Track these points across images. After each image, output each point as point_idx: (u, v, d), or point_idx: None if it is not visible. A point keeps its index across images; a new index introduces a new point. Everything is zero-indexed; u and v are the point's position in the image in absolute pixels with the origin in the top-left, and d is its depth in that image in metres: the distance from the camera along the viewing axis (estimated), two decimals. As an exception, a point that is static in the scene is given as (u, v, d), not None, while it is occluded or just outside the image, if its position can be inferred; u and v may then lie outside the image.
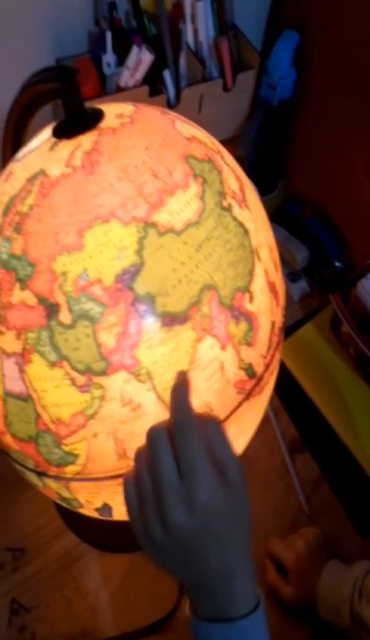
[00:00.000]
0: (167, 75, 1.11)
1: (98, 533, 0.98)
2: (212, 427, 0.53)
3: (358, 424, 1.09)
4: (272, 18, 1.25)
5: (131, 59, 1.05)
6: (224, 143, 0.63)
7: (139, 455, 0.53)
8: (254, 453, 1.09)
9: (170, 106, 1.14)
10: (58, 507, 1.01)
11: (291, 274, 1.31)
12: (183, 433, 0.50)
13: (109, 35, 1.04)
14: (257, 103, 1.25)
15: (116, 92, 1.09)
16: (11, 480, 1.00)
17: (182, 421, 0.51)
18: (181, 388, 0.52)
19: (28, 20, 1.02)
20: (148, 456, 0.52)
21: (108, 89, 1.10)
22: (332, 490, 1.07)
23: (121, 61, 1.08)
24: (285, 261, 0.80)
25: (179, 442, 0.50)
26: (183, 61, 1.12)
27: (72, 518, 0.99)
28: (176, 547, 0.51)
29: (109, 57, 1.08)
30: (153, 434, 0.52)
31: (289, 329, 1.22)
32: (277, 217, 1.33)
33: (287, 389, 1.14)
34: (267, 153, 1.33)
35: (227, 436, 0.53)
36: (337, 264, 1.29)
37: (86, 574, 0.96)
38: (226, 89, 1.19)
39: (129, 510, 0.53)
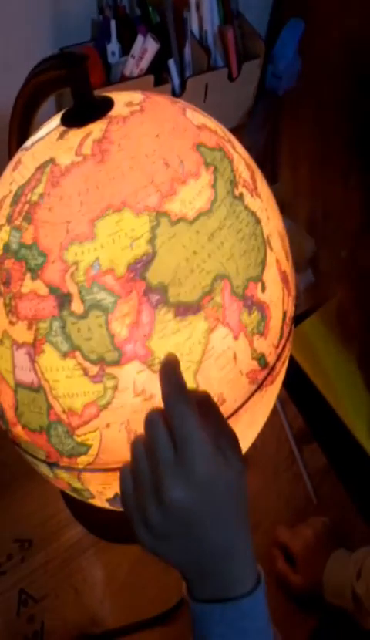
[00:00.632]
0: (172, 64, 1.10)
1: (106, 524, 0.98)
2: (204, 400, 0.52)
3: (365, 414, 1.09)
4: (277, 6, 1.24)
5: (136, 48, 1.05)
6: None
7: (136, 441, 0.51)
8: (262, 444, 1.08)
9: (175, 95, 1.14)
10: (66, 498, 1.00)
11: (297, 265, 1.31)
12: (176, 407, 0.49)
13: (113, 24, 1.04)
14: (263, 93, 1.24)
15: (121, 81, 1.08)
16: (18, 472, 1.00)
17: (174, 395, 0.49)
18: (170, 364, 0.50)
19: (31, 9, 1.01)
20: (144, 439, 0.51)
21: (113, 78, 1.09)
22: (340, 480, 1.07)
23: (125, 50, 1.07)
24: (291, 252, 0.80)
25: (172, 415, 0.49)
26: (187, 50, 1.12)
27: (79, 509, 0.99)
28: (173, 527, 0.49)
29: (113, 46, 1.07)
30: (148, 416, 0.50)
31: (295, 320, 1.21)
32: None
33: (294, 380, 1.13)
34: (271, 143, 1.32)
35: (219, 408, 0.53)
36: (342, 254, 1.28)
37: (94, 565, 0.96)
38: (231, 78, 1.18)
39: (124, 496, 0.52)
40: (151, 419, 0.50)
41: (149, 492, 0.49)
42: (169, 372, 0.50)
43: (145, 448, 0.50)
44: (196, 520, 0.49)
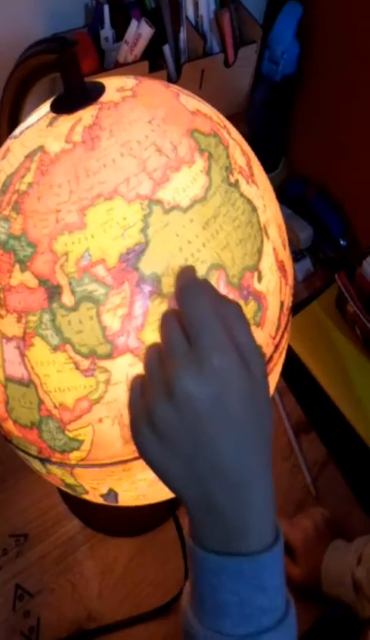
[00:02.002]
0: (167, 50, 1.08)
1: (102, 517, 0.97)
2: (231, 309, 0.46)
3: (364, 403, 1.08)
4: (274, -10, 1.22)
5: (130, 34, 1.03)
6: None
7: (149, 347, 0.47)
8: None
9: (171, 81, 1.12)
10: (62, 492, 1.00)
11: (295, 254, 1.30)
12: (189, 294, 0.44)
13: (106, 9, 1.02)
14: (260, 79, 1.22)
15: (115, 67, 1.06)
16: (13, 465, 0.99)
17: (188, 284, 0.45)
18: (188, 268, 0.47)
19: (23, -5, 0.99)
20: (158, 342, 0.46)
21: (106, 64, 1.08)
22: (339, 470, 1.06)
23: (119, 36, 1.05)
24: (289, 240, 0.78)
25: (184, 305, 0.44)
26: (183, 35, 1.10)
27: (75, 503, 0.98)
28: (180, 426, 0.43)
29: (107, 32, 1.05)
30: (162, 315, 0.46)
31: (293, 309, 1.20)
32: (280, 195, 1.31)
33: (292, 370, 1.13)
34: (269, 130, 1.30)
35: (247, 321, 0.47)
36: (341, 242, 1.27)
37: (91, 559, 0.96)
38: (227, 64, 1.16)
39: (131, 403, 0.46)
40: (164, 318, 0.46)
41: (157, 387, 0.44)
42: (186, 270, 0.46)
43: (157, 348, 0.46)
44: (208, 422, 0.43)
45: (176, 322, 0.45)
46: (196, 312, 0.44)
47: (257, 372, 0.45)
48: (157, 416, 0.43)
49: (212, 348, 0.43)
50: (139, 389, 0.46)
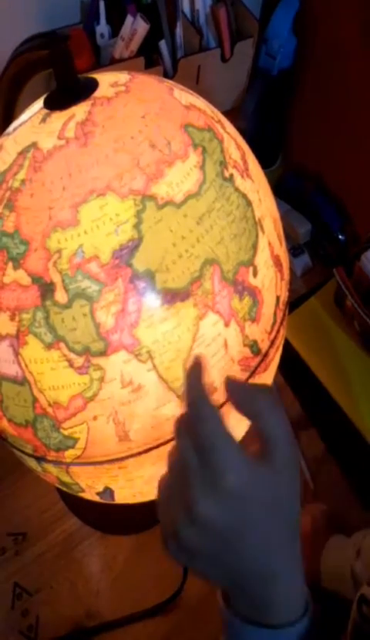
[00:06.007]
0: (163, 45, 1.08)
1: (100, 515, 0.97)
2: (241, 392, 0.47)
3: (363, 399, 1.08)
4: (270, -16, 1.21)
5: (125, 29, 1.02)
6: (223, 114, 0.61)
7: (170, 450, 0.48)
8: (258, 431, 1.07)
9: (167, 77, 1.11)
10: (60, 490, 0.99)
11: (293, 249, 1.29)
12: (196, 412, 0.44)
13: (102, 5, 1.02)
14: (257, 73, 1.22)
15: (111, 63, 1.06)
16: (10, 464, 0.98)
17: (194, 400, 0.45)
18: (195, 369, 0.47)
19: (17, -10, 0.99)
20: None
21: (102, 61, 1.07)
22: (338, 466, 1.05)
23: (115, 32, 1.05)
24: (287, 236, 0.78)
25: (193, 423, 0.44)
26: (179, 31, 1.10)
27: (73, 501, 0.98)
28: (204, 544, 0.44)
29: (102, 28, 1.05)
30: (174, 423, 0.47)
31: (292, 304, 1.19)
32: (279, 190, 1.30)
33: (291, 365, 1.12)
34: (266, 125, 1.30)
35: (277, 404, 0.48)
36: (340, 237, 1.27)
37: (89, 557, 0.95)
38: (224, 59, 1.16)
39: (159, 510, 0.48)
40: (175, 427, 0.47)
41: (178, 505, 0.45)
42: (192, 376, 0.46)
43: (175, 457, 0.47)
44: (230, 537, 0.44)
45: (186, 431, 0.45)
46: (205, 430, 0.44)
47: (280, 457, 0.46)
48: (181, 537, 0.44)
49: (224, 466, 0.43)
50: (166, 502, 0.47)
